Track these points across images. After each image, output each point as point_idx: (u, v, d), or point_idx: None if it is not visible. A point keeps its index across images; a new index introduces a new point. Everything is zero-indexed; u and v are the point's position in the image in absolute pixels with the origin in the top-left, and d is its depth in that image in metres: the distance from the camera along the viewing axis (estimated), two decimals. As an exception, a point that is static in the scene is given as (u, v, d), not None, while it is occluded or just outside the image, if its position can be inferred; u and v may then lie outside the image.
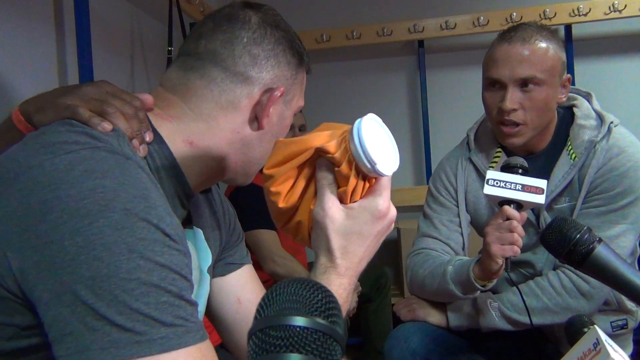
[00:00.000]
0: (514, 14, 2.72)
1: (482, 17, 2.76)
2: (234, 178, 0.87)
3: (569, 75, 1.38)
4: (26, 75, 1.62)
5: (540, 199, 1.19)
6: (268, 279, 2.07)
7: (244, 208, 1.71)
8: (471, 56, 2.90)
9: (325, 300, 0.47)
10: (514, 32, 1.33)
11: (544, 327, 1.40)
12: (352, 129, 0.68)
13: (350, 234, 0.70)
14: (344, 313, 0.71)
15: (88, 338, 0.55)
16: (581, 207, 1.34)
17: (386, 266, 2.72)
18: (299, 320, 0.44)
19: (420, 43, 2.94)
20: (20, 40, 1.62)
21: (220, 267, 0.97)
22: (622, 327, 1.39)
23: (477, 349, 1.49)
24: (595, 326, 0.78)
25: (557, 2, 2.72)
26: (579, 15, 2.69)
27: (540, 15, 2.68)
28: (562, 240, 0.84)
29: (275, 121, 0.84)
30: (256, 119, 0.82)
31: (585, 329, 0.80)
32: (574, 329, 0.82)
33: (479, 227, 1.53)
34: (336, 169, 0.69)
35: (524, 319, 1.33)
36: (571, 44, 2.76)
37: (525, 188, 1.20)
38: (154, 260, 0.59)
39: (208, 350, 0.61)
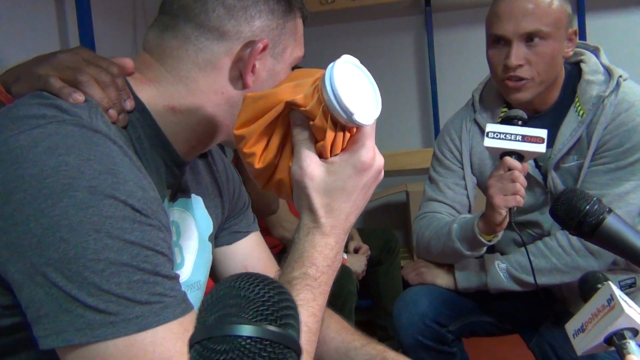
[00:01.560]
0: (524, -32, 2.64)
1: (490, -27, 2.68)
2: (229, 141, 0.82)
3: (575, 28, 1.35)
4: (27, 46, 1.60)
5: (541, 148, 1.18)
6: (277, 244, 2.09)
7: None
8: (480, 14, 2.81)
9: (275, 299, 0.40)
10: None
11: (553, 287, 1.40)
12: (323, 75, 0.62)
13: (333, 191, 0.66)
14: (334, 273, 0.68)
15: (63, 320, 0.55)
16: (589, 165, 1.32)
17: (395, 229, 2.73)
18: (244, 330, 0.38)
19: (427, 2, 2.87)
20: (19, 11, 1.60)
21: (226, 236, 0.96)
22: (631, 285, 1.39)
23: (486, 310, 1.50)
24: (610, 282, 0.78)
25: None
26: (591, -32, 2.61)
27: (550, -31, 2.60)
28: (571, 211, 0.83)
29: (265, 77, 0.77)
30: (241, 77, 0.76)
31: (599, 285, 0.79)
32: (588, 286, 0.82)
33: (485, 188, 1.52)
34: (311, 122, 0.64)
35: (533, 279, 1.33)
36: (583, -2, 2.69)
37: (525, 138, 1.20)
38: (123, 238, 0.57)
39: (191, 324, 0.57)
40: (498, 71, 1.34)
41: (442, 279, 1.47)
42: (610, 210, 0.82)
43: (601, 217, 0.81)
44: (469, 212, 1.49)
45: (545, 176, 1.39)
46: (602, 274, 0.84)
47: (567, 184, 1.36)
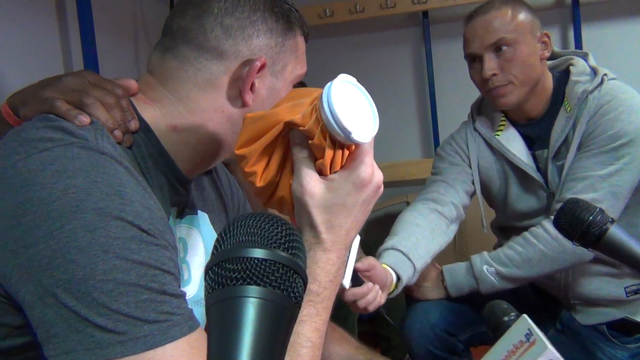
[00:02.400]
0: (519, -20, 2.66)
1: (486, -15, 2.71)
2: (233, 159, 0.82)
3: (545, 31, 1.41)
4: (31, 66, 1.62)
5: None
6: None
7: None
8: (477, 25, 2.86)
9: (285, 233, 0.45)
10: (475, 11, 1.42)
11: (545, 281, 1.43)
12: (321, 95, 0.63)
13: (333, 207, 0.67)
14: (336, 288, 0.69)
15: (73, 339, 0.56)
16: (576, 154, 1.35)
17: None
18: (257, 252, 0.42)
19: (425, 14, 2.90)
20: (23, 30, 1.61)
21: None
22: (637, 292, 1.39)
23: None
24: (525, 315, 0.76)
25: (563, -34, 2.66)
26: (586, -21, 2.64)
27: (546, -20, 2.64)
28: (574, 222, 0.83)
29: (266, 95, 0.78)
30: (240, 96, 0.76)
31: (506, 318, 0.78)
32: (495, 318, 0.80)
33: (490, 196, 1.54)
34: (310, 141, 0.65)
35: (524, 272, 1.34)
36: (578, 9, 2.71)
37: None
38: (131, 258, 0.57)
39: (198, 341, 0.60)
40: (480, 86, 1.43)
41: (433, 292, 1.46)
42: (613, 221, 0.83)
43: (604, 227, 0.82)
44: (470, 197, 1.52)
45: (545, 177, 1.41)
46: (507, 304, 0.83)
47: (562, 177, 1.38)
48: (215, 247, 0.45)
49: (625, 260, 0.81)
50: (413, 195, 2.79)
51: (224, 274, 0.42)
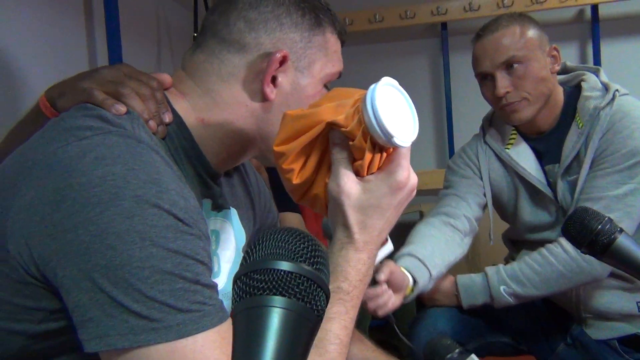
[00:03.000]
0: (539, -6, 2.67)
1: (506, -2, 2.72)
2: (262, 155, 0.84)
3: (554, 45, 1.42)
4: (58, 64, 1.66)
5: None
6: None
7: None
8: (495, 38, 2.86)
9: (311, 249, 0.47)
10: (482, 30, 1.41)
11: (557, 295, 1.43)
12: (365, 97, 0.64)
13: (368, 208, 0.67)
14: (365, 287, 0.70)
15: (107, 324, 0.56)
16: (588, 172, 1.35)
17: (409, 249, 2.73)
18: (284, 265, 0.44)
19: (444, 25, 2.91)
20: (51, 30, 1.65)
21: None
22: (648, 306, 1.39)
23: (503, 331, 1.51)
24: (473, 355, 0.75)
25: (583, -18, 2.66)
26: (606, -6, 2.63)
27: (565, -5, 2.63)
28: (583, 231, 0.84)
29: (289, 90, 0.78)
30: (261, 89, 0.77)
31: (450, 355, 0.77)
32: (437, 357, 0.79)
33: (501, 208, 1.54)
34: (350, 142, 0.66)
35: (541, 292, 1.35)
36: (597, 24, 2.70)
37: None
38: (167, 247, 0.58)
39: (228, 332, 0.60)
40: (493, 103, 1.44)
41: (445, 301, 1.47)
42: (621, 230, 0.83)
43: (612, 236, 0.82)
44: (483, 210, 1.52)
45: (554, 190, 1.42)
46: (451, 340, 0.81)
47: (574, 195, 1.38)
48: (244, 258, 0.47)
49: (633, 270, 0.82)
50: (426, 204, 2.79)
51: (251, 284, 0.44)
